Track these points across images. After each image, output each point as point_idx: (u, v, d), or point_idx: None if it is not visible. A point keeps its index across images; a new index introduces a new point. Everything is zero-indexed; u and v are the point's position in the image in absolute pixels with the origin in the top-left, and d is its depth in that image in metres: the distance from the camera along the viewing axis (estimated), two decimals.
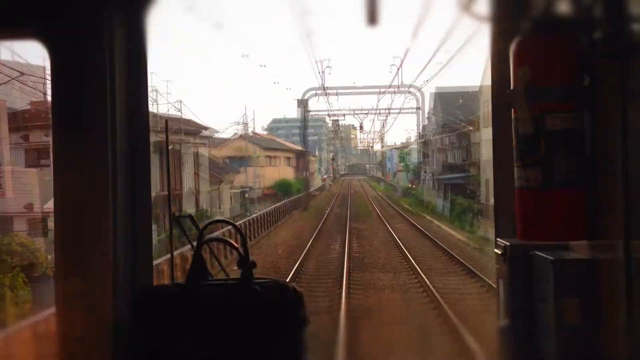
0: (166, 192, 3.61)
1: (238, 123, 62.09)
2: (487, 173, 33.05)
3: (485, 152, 35.75)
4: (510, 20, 3.21)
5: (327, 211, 49.11)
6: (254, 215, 38.62)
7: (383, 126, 78.57)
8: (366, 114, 68.86)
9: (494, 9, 3.43)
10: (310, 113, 65.65)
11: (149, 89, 2.96)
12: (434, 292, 19.01)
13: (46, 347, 5.59)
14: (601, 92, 2.69)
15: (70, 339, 2.67)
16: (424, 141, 63.05)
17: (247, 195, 54.30)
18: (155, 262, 3.20)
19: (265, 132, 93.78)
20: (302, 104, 60.52)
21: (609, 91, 2.59)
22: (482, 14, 3.51)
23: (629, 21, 2.47)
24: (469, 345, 13.20)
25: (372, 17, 3.39)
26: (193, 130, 38.36)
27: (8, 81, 19.57)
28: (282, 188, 63.31)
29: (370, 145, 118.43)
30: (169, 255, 3.47)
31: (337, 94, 58.36)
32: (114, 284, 2.62)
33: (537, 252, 3.03)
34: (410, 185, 71.15)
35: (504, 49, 3.11)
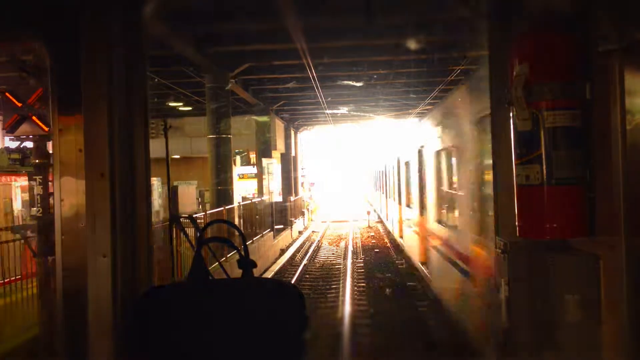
0: None
1: None
2: None
3: None
4: (510, 18, 3.21)
5: None
6: None
7: None
8: None
9: (494, 7, 3.43)
10: None
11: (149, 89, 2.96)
12: None
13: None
14: (600, 89, 2.70)
15: (70, 339, 2.67)
16: None
17: None
18: None
19: None
20: None
21: (607, 88, 2.59)
22: (481, 11, 3.52)
23: (627, 19, 2.48)
24: None
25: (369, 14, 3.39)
26: None
27: None
28: None
29: None
30: None
31: None
32: (113, 284, 2.62)
33: (537, 250, 3.02)
34: None
35: (503, 46, 3.11)
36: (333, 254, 22.36)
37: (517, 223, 3.01)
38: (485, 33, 3.58)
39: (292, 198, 30.77)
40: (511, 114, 3.00)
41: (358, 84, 19.33)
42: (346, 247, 23.38)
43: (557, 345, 2.89)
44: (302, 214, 34.31)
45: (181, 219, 3.42)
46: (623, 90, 2.48)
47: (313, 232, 31.51)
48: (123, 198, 2.68)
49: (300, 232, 30.11)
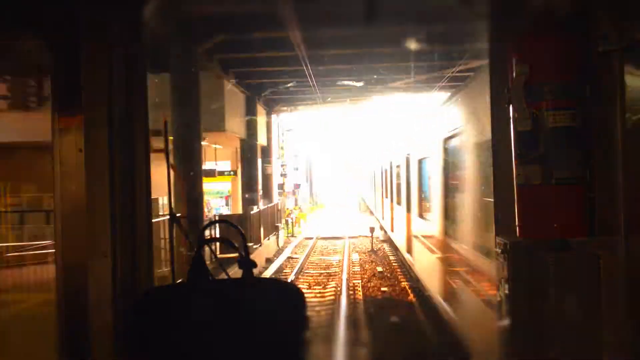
0: None
1: None
2: None
3: None
4: (510, 18, 3.21)
5: None
6: None
7: None
8: None
9: (494, 7, 3.44)
10: None
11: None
12: None
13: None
14: (600, 89, 2.70)
15: (70, 339, 2.68)
16: None
17: None
18: None
19: None
20: None
21: (607, 88, 2.59)
22: (482, 12, 3.52)
23: (627, 19, 2.48)
24: None
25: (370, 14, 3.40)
26: None
27: None
28: None
29: None
30: None
31: None
32: (114, 284, 2.62)
33: (537, 249, 3.03)
34: None
35: (503, 46, 3.11)
36: (315, 314, 11.28)
37: (517, 223, 3.01)
38: (485, 33, 3.59)
39: (257, 208, 19.80)
40: (511, 114, 3.00)
41: (358, 84, 19.09)
42: (336, 298, 12.48)
43: (557, 345, 2.89)
44: (276, 229, 23.28)
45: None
46: (623, 91, 2.48)
47: (289, 259, 20.32)
48: (123, 198, 2.68)
49: (268, 260, 19.13)
